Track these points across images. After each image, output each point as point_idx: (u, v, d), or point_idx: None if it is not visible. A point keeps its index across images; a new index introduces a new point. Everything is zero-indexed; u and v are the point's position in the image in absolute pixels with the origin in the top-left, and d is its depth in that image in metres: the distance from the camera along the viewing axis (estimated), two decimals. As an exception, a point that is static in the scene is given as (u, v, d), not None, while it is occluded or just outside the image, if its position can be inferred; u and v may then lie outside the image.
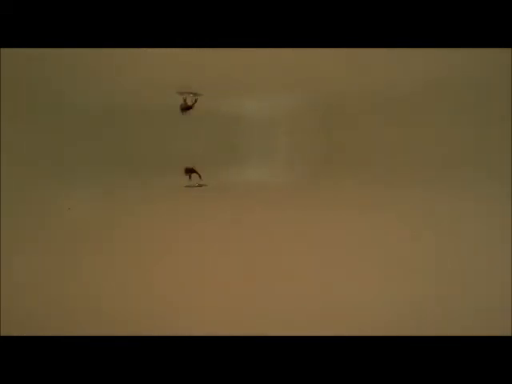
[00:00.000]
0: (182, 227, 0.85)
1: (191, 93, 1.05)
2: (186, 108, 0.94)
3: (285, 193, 1.15)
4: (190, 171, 0.94)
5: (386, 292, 0.53)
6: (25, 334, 0.38)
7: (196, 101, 0.89)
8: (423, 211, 0.90)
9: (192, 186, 1.05)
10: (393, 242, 0.75)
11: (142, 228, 0.88)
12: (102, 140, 1.12)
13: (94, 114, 1.10)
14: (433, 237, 0.77)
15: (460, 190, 0.90)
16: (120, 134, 1.15)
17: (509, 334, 0.40)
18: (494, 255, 0.64)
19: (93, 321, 0.46)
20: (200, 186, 1.04)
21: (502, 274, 0.56)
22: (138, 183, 1.14)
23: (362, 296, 0.52)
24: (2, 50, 0.72)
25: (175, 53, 0.80)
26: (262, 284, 0.56)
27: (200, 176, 0.92)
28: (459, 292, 0.52)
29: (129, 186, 1.12)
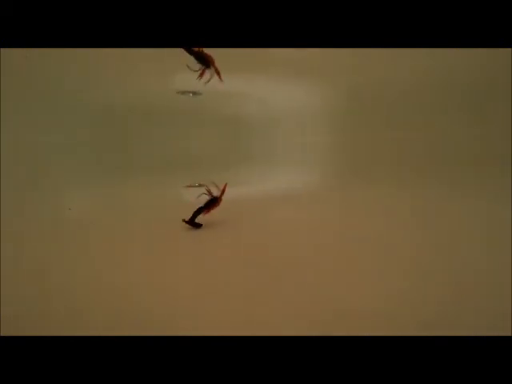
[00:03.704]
0: (182, 226, 0.85)
1: (191, 92, 1.05)
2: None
3: (284, 193, 1.15)
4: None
5: (385, 292, 0.53)
6: (25, 334, 0.38)
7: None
8: (423, 211, 0.90)
9: (192, 186, 1.05)
10: (393, 242, 0.75)
11: (142, 228, 0.88)
12: (102, 140, 1.13)
13: (94, 114, 1.10)
14: (433, 237, 0.77)
15: (460, 189, 0.90)
16: (120, 134, 1.15)
17: (509, 334, 0.40)
18: (494, 255, 0.64)
19: (93, 321, 0.46)
20: (200, 185, 1.04)
21: (501, 273, 0.56)
22: (137, 183, 1.14)
23: (362, 296, 0.52)
24: (2, 50, 0.72)
25: (175, 53, 0.80)
26: (263, 284, 0.56)
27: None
28: (459, 292, 0.52)
29: (129, 185, 1.13)
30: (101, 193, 1.07)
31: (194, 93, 0.98)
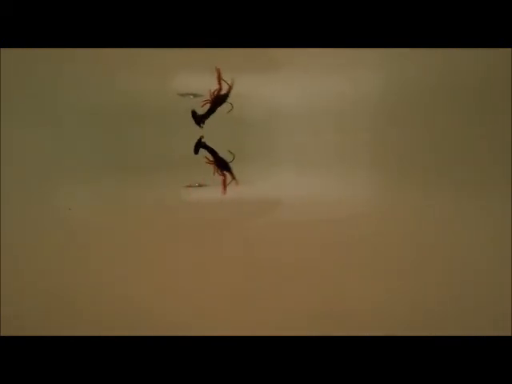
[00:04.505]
0: (182, 227, 0.85)
1: (191, 94, 1.05)
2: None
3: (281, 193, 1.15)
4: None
5: (385, 292, 0.53)
6: (25, 334, 0.38)
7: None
8: (422, 211, 0.90)
9: (192, 186, 1.05)
10: (391, 242, 0.75)
11: (143, 228, 0.88)
12: (103, 140, 1.13)
13: (94, 114, 1.10)
14: (432, 237, 0.76)
15: (460, 189, 0.90)
16: (120, 134, 1.15)
17: (509, 334, 0.39)
18: (493, 255, 0.64)
19: (93, 321, 0.46)
20: (200, 186, 1.04)
21: (501, 274, 0.56)
22: (137, 183, 1.14)
23: (362, 296, 0.52)
24: (2, 50, 0.72)
25: (175, 53, 0.80)
26: (264, 284, 0.56)
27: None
28: (459, 292, 0.52)
29: (129, 185, 1.12)
30: (101, 193, 1.07)
31: (195, 94, 0.98)
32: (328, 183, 1.13)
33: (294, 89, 1.18)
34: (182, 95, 1.05)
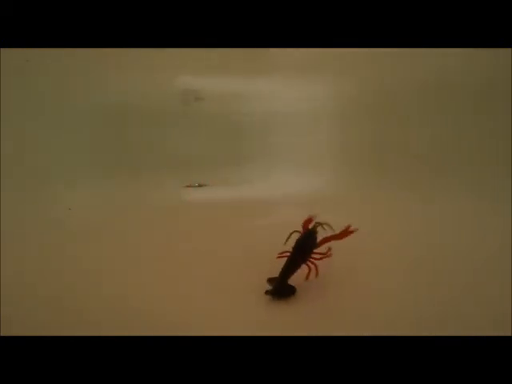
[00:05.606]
0: (182, 227, 0.85)
1: (192, 95, 1.05)
2: None
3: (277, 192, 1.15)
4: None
5: (386, 292, 0.53)
6: (25, 334, 0.38)
7: None
8: (423, 211, 0.90)
9: (192, 186, 1.05)
10: (392, 241, 0.75)
11: (143, 227, 0.88)
12: (103, 140, 1.12)
13: (94, 114, 1.10)
14: (432, 237, 0.76)
15: (460, 189, 0.90)
16: (120, 134, 1.15)
17: (509, 334, 0.39)
18: (494, 255, 0.64)
19: (93, 321, 0.46)
20: (200, 186, 1.04)
21: (501, 274, 0.56)
22: (138, 183, 1.14)
23: (361, 296, 0.52)
24: (2, 50, 0.72)
25: (176, 53, 0.80)
26: (263, 284, 0.56)
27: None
28: (459, 292, 0.52)
29: (129, 185, 1.12)
30: (101, 193, 1.07)
31: (197, 98, 0.98)
32: (328, 183, 1.13)
33: (293, 89, 1.18)
34: (184, 99, 1.05)
